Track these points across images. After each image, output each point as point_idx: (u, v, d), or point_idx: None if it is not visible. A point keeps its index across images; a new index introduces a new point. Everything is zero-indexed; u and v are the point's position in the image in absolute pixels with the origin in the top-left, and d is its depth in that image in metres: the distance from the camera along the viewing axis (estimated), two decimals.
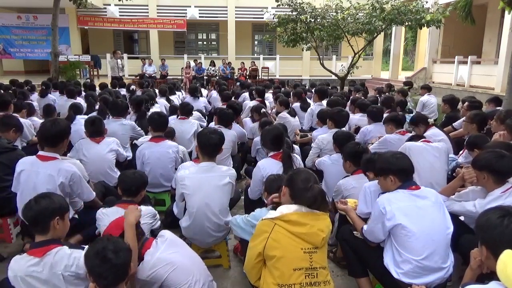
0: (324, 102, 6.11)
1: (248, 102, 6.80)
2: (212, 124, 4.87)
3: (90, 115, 5.08)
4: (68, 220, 2.12)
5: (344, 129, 4.28)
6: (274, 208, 2.39)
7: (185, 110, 5.09)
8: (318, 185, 2.03)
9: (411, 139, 3.63)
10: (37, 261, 1.91)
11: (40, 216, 1.97)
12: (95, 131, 3.78)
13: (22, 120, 4.65)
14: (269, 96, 7.67)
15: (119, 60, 12.52)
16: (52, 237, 1.99)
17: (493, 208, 1.73)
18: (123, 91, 8.31)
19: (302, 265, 1.91)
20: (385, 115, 4.87)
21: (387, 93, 8.42)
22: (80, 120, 4.58)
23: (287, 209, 1.99)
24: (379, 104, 5.86)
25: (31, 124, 4.89)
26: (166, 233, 2.26)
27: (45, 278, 1.90)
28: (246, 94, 7.62)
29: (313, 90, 8.24)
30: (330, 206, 3.35)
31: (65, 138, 2.92)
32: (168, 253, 2.11)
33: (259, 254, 1.97)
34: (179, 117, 5.09)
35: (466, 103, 5.49)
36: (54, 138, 2.85)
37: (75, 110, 5.28)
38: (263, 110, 5.21)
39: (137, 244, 2.09)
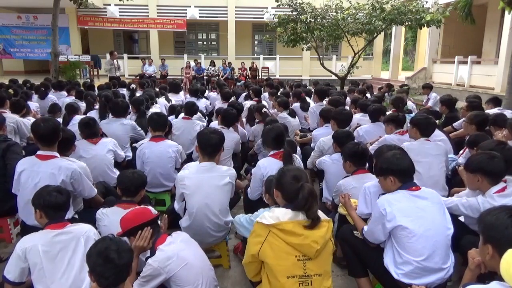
0: (324, 102, 6.09)
1: (246, 102, 6.79)
2: (212, 124, 4.86)
3: (89, 113, 5.06)
4: None
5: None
6: None
7: (190, 110, 4.99)
8: (308, 183, 1.97)
9: None
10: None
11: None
12: (91, 132, 3.72)
13: (22, 119, 4.65)
14: (266, 95, 7.65)
15: (115, 61, 12.45)
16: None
17: (499, 207, 1.71)
18: (123, 91, 8.30)
19: (295, 273, 1.89)
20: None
21: (386, 93, 8.43)
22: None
23: (283, 215, 1.92)
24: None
25: (30, 123, 4.88)
26: (181, 233, 2.34)
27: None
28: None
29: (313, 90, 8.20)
30: (331, 206, 3.37)
31: (57, 137, 2.90)
32: (181, 249, 2.15)
33: (253, 256, 1.95)
34: (182, 116, 5.02)
35: (466, 103, 5.46)
36: (46, 136, 2.84)
37: (70, 109, 5.16)
38: (264, 110, 5.18)
39: (150, 242, 2.16)
